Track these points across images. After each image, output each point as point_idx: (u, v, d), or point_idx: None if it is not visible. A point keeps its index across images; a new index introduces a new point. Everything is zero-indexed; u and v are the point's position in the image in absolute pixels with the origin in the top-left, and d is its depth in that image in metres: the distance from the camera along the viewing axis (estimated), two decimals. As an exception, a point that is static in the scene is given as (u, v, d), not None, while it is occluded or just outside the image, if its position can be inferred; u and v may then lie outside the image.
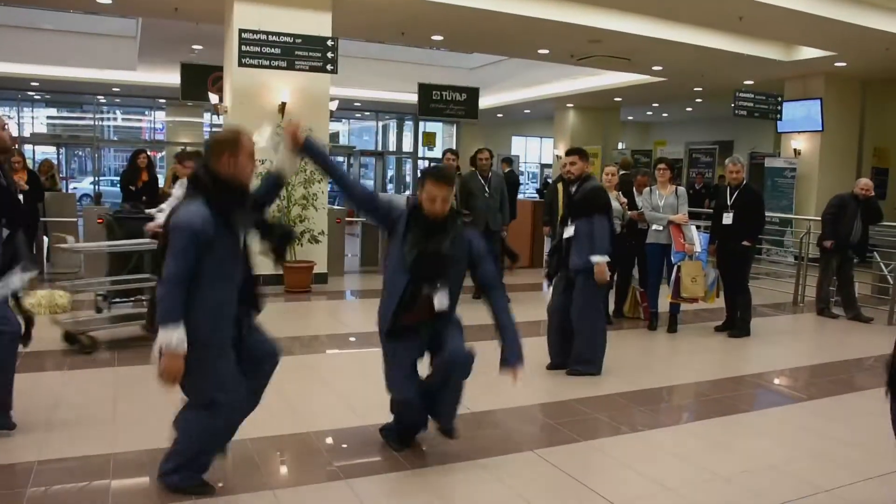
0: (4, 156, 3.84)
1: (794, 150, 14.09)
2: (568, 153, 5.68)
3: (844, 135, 13.87)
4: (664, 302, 7.15)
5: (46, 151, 21.17)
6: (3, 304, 3.76)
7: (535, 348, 5.57)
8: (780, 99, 13.00)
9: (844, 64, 12.26)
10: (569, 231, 5.50)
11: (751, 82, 14.09)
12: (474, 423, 4.39)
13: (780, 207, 13.45)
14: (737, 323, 7.09)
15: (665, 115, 23.36)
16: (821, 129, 13.48)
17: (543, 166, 27.11)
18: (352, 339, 6.74)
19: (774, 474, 3.71)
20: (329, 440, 4.03)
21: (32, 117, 21.91)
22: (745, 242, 6.88)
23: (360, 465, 3.68)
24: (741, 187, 7.02)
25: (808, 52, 11.89)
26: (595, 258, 5.28)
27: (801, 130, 13.88)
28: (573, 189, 5.57)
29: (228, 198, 3.04)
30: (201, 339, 3.00)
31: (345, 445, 4.00)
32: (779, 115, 13.06)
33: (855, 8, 9.49)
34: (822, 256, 8.38)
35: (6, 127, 3.83)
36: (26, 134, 20.83)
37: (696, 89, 16.29)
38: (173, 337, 2.88)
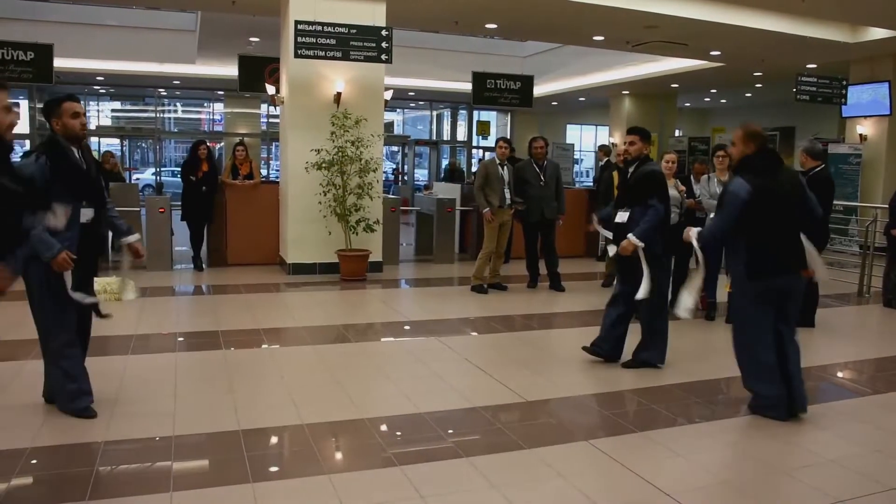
0: (77, 143, 4.03)
1: (860, 135, 13.62)
2: (628, 132, 5.46)
3: (915, 119, 13.36)
4: (722, 292, 7.00)
5: (111, 143, 21.84)
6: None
7: (590, 337, 5.53)
8: (844, 82, 12.57)
9: (916, 44, 11.79)
10: (622, 216, 5.34)
11: (814, 66, 13.66)
12: (529, 413, 4.39)
13: (844, 195, 13.03)
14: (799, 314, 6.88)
15: (723, 101, 22.82)
16: (889, 112, 13.00)
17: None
18: (406, 327, 6.79)
19: (837, 469, 3.62)
20: (383, 427, 4.08)
21: (98, 110, 22.62)
22: None
23: (413, 453, 3.71)
24: (812, 172, 6.76)
25: (876, 33, 11.46)
26: (631, 236, 5.14)
27: (867, 115, 13.42)
28: (629, 171, 5.41)
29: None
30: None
31: (398, 433, 4.04)
32: (843, 100, 12.65)
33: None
34: (889, 245, 8.10)
35: (80, 115, 4.00)
36: (92, 127, 21.53)
37: (755, 74, 15.87)
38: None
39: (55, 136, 3.96)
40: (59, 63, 10.70)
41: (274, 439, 3.89)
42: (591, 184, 17.60)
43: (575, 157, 23.71)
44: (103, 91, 21.44)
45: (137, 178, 21.64)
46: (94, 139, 20.43)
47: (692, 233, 4.65)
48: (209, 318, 6.82)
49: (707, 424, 4.28)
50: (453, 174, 19.08)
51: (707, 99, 22.40)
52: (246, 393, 4.56)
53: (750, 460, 3.73)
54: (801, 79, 12.13)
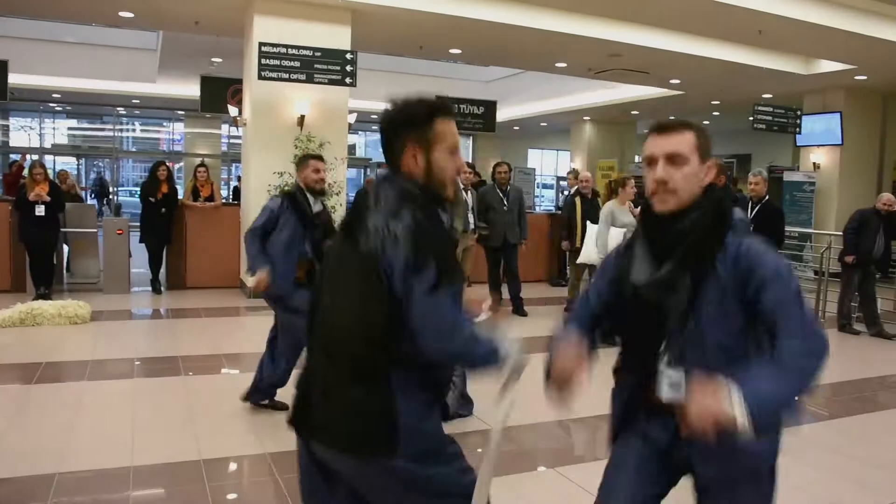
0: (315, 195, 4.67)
1: (814, 163, 13.98)
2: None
3: (864, 149, 13.75)
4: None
5: (67, 162, 21.41)
6: None
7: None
8: (799, 112, 12.92)
9: (865, 77, 12.17)
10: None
11: (769, 96, 14.02)
12: (493, 439, 4.36)
13: (798, 222, 13.33)
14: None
15: (682, 128, 23.25)
16: (840, 142, 13.38)
17: (559, 179, 27.09)
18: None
19: (796, 495, 3.66)
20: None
21: (53, 128, 22.17)
22: None
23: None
24: (762, 202, 6.96)
25: (828, 66, 11.82)
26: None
27: (820, 144, 13.79)
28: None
29: None
30: None
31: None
32: (798, 129, 12.98)
33: (876, 21, 9.42)
34: (843, 272, 8.29)
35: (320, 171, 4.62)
36: (47, 145, 21.10)
37: (713, 103, 16.23)
38: None
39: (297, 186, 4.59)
40: (13, 79, 10.47)
41: (235, 468, 3.81)
42: (553, 209, 17.76)
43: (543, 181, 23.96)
44: (59, 109, 21.04)
45: (94, 199, 21.22)
46: (48, 157, 20.01)
47: None
48: (168, 343, 6.69)
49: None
50: None
51: (666, 126, 22.79)
52: (206, 420, 4.46)
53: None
54: (758, 108, 12.42)
